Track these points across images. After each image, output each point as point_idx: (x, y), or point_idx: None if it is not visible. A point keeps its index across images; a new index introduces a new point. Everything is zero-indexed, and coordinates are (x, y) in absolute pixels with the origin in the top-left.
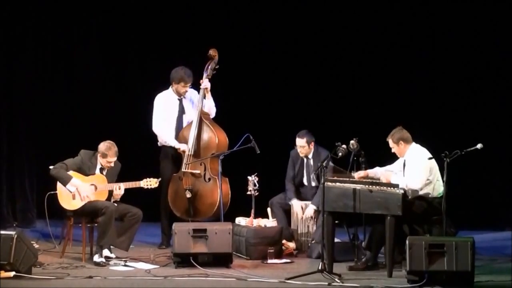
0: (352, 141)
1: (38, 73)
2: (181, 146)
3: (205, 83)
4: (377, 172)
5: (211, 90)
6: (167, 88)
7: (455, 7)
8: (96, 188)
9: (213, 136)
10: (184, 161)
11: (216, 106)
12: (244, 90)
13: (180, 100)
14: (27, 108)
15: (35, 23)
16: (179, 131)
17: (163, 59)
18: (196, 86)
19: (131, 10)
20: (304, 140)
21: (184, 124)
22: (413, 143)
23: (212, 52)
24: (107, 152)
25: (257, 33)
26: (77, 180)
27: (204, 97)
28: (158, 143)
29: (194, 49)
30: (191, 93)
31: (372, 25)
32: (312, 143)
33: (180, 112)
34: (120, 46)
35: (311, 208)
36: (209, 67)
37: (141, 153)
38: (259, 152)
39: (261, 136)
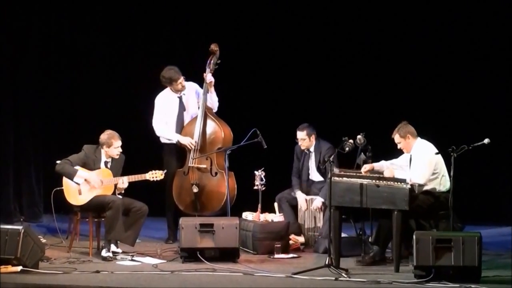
0: (359, 136)
1: (42, 69)
2: (185, 140)
3: (209, 77)
4: (383, 165)
5: (215, 85)
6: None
7: (459, 2)
8: (102, 182)
9: (219, 131)
10: (191, 155)
11: (223, 101)
12: (251, 85)
13: (180, 98)
14: (33, 104)
15: (39, 19)
16: (182, 128)
17: (167, 54)
18: (199, 79)
19: (135, 5)
20: (304, 132)
21: (186, 121)
22: (419, 138)
23: (214, 47)
24: (111, 140)
25: (262, 28)
26: (83, 172)
27: (207, 91)
28: (161, 140)
29: (198, 43)
30: (190, 87)
31: (377, 20)
32: (313, 136)
33: (180, 110)
34: (124, 41)
35: (318, 200)
36: (211, 62)
37: (146, 147)
38: (266, 147)
39: (268, 131)
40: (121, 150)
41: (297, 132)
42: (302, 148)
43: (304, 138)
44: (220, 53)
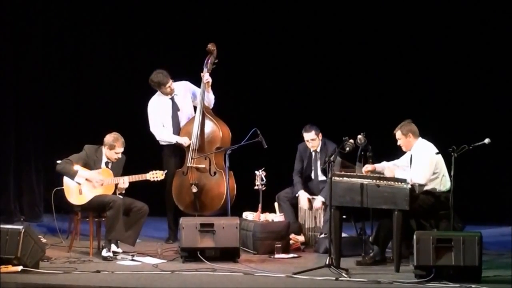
0: (359, 136)
1: (44, 69)
2: (183, 140)
3: (207, 77)
4: (384, 166)
5: (213, 84)
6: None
7: (460, 2)
8: (102, 182)
9: (217, 130)
10: (189, 155)
11: (224, 101)
12: (251, 84)
13: (172, 99)
14: (33, 104)
15: (40, 18)
16: (179, 128)
17: (167, 54)
18: (196, 79)
19: (136, 5)
20: (313, 132)
21: (182, 121)
22: (420, 138)
23: (211, 46)
24: (115, 143)
25: (262, 27)
26: (84, 171)
27: (205, 90)
28: (160, 141)
29: (199, 43)
30: (180, 87)
31: (380, 19)
32: (320, 135)
33: (174, 110)
34: (125, 41)
35: (319, 200)
36: (209, 61)
37: (146, 147)
38: (266, 146)
39: (268, 131)
40: (120, 157)
41: (304, 134)
42: (313, 149)
43: (314, 138)
44: (221, 52)
